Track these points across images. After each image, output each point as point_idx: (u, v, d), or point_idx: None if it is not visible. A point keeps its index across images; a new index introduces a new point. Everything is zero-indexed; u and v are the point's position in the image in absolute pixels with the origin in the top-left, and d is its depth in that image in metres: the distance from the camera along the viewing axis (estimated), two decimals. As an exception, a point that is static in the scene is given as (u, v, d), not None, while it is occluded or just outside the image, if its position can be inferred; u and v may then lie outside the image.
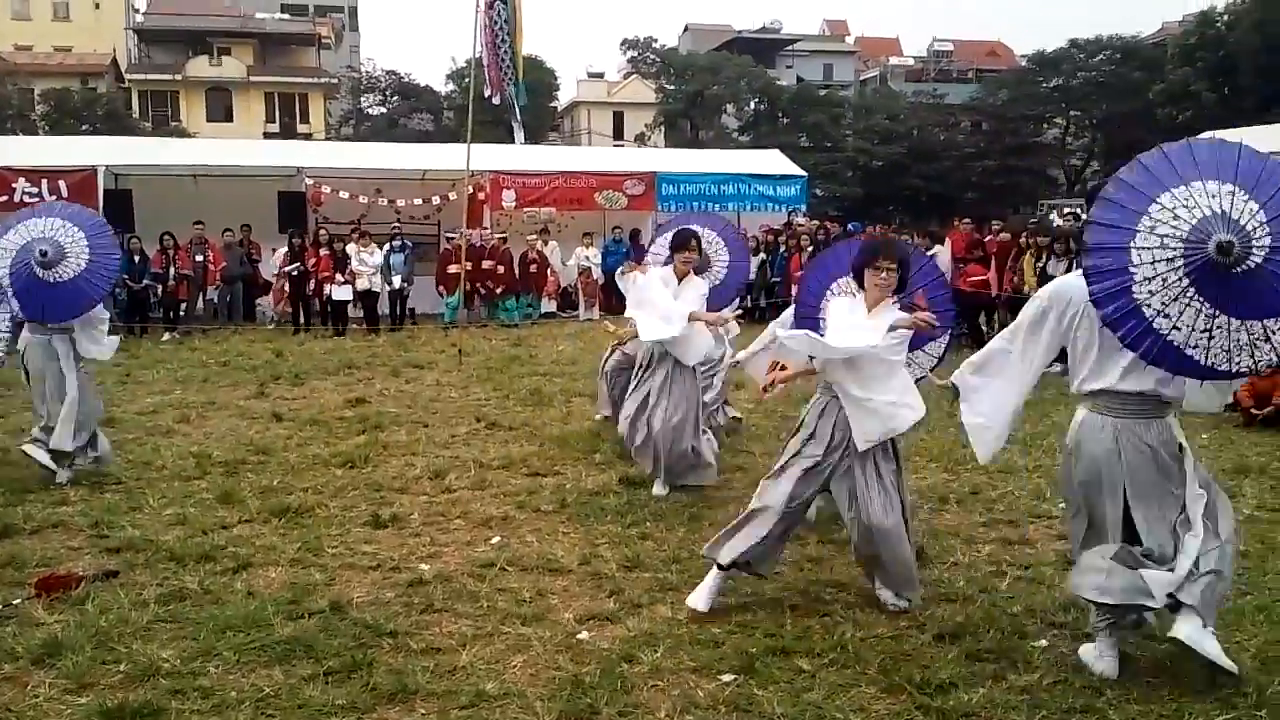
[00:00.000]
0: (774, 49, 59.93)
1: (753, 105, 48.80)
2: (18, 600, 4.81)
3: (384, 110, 51.24)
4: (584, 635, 4.46)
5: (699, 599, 4.67)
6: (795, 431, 4.83)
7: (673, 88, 48.77)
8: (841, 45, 66.72)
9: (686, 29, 62.45)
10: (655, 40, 54.62)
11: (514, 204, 18.42)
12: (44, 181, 16.33)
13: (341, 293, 16.18)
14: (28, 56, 47.62)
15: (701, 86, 46.47)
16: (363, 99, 52.41)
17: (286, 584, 5.05)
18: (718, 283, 7.27)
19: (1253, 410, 8.86)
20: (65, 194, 16.04)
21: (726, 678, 4.03)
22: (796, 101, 46.93)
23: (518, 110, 13.64)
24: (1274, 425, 8.81)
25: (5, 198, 16.02)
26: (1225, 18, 36.74)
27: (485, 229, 17.75)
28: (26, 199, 15.96)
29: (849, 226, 17.28)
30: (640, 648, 4.29)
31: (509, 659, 4.22)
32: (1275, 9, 33.38)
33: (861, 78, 63.08)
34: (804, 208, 20.11)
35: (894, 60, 64.62)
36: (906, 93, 50.91)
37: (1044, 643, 4.35)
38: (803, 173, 20.81)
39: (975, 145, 46.32)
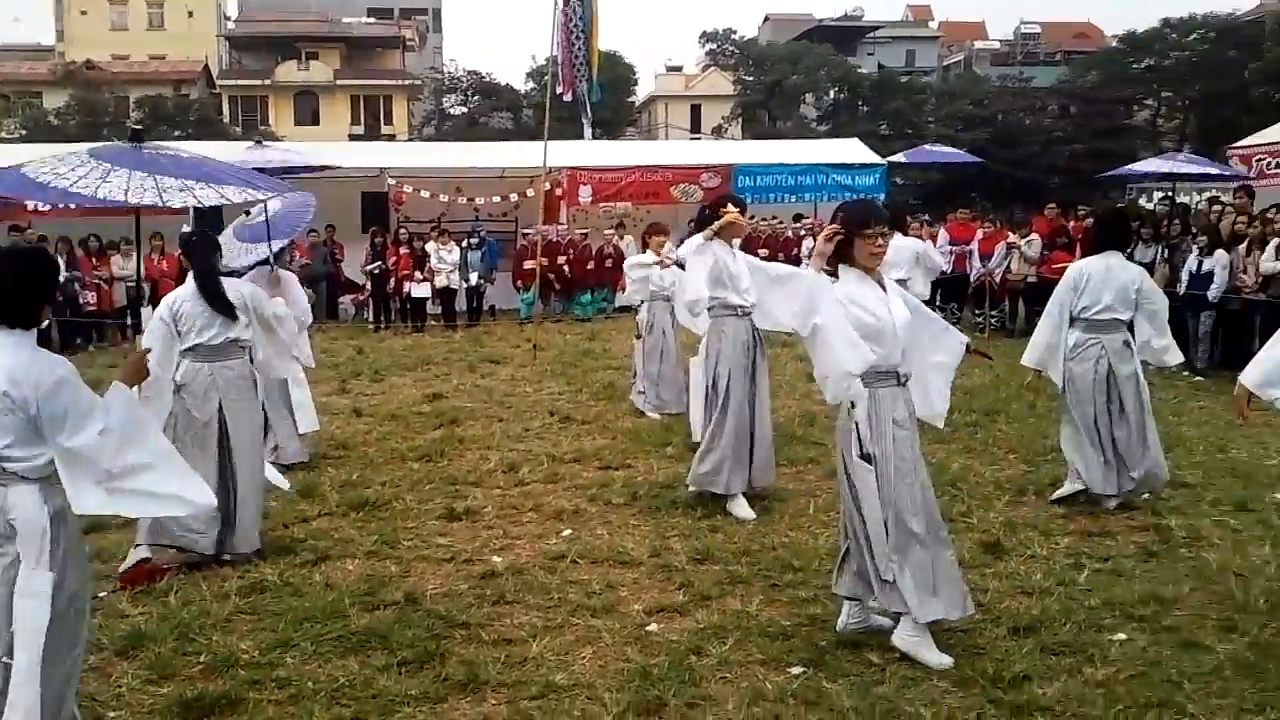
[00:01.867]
0: (856, 36, 59.09)
1: (832, 94, 48.12)
2: (104, 593, 4.97)
3: (465, 110, 51.77)
4: (653, 627, 4.49)
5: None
6: None
7: (751, 79, 48.32)
8: (925, 30, 65.51)
9: (767, 19, 61.93)
10: (734, 32, 54.04)
11: (590, 199, 18.49)
12: (139, 186, 16.76)
13: (420, 290, 16.46)
14: (124, 65, 49.04)
15: (780, 77, 45.98)
16: (445, 99, 52.97)
17: (363, 576, 5.17)
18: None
19: None
20: (159, 199, 16.59)
21: (795, 670, 4.02)
22: (877, 89, 46.11)
23: (589, 107, 13.72)
24: None
25: (103, 202, 16.57)
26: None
27: (561, 224, 17.88)
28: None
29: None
30: (709, 640, 4.29)
31: (578, 650, 4.27)
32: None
33: (945, 63, 61.83)
34: (883, 197, 19.78)
35: (979, 44, 62.98)
36: (991, 77, 49.59)
37: (1122, 636, 4.26)
38: (882, 161, 20.48)
39: (1063, 129, 44.95)
